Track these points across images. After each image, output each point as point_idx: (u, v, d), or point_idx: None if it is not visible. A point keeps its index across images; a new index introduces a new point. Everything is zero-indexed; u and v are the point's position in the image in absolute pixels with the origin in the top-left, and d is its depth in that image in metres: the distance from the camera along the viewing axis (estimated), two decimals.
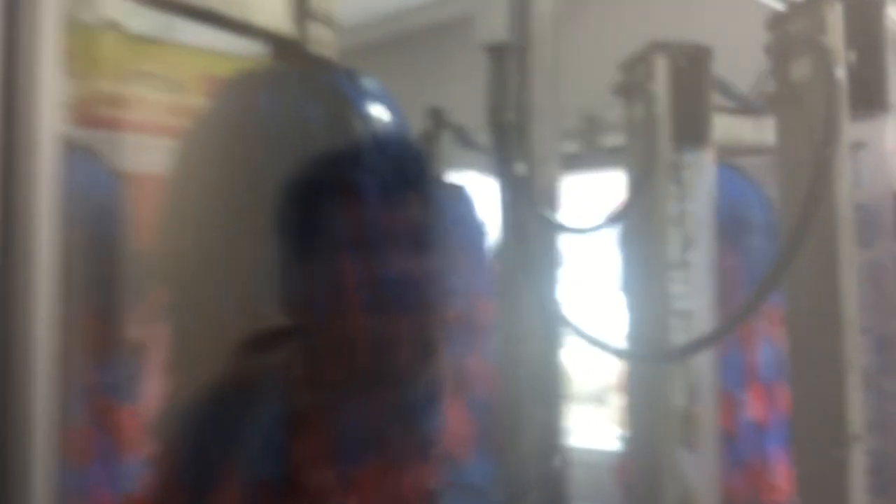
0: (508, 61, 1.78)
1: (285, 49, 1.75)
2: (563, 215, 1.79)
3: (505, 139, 1.78)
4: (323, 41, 1.83)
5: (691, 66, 1.61)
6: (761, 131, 2.05)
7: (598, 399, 4.42)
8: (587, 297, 3.53)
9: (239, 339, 1.37)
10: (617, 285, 3.70)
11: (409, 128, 3.20)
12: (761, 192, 2.75)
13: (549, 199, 1.76)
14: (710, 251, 1.62)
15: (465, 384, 3.54)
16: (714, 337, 1.37)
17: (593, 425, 4.23)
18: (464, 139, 4.41)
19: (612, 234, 3.73)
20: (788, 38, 1.38)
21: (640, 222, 1.64)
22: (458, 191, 3.96)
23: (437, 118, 4.56)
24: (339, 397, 1.33)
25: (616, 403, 4.36)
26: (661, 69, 1.60)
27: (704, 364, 1.60)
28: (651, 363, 1.58)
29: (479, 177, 4.05)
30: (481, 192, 4.06)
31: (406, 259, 2.80)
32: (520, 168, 1.76)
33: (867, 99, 1.31)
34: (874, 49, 1.31)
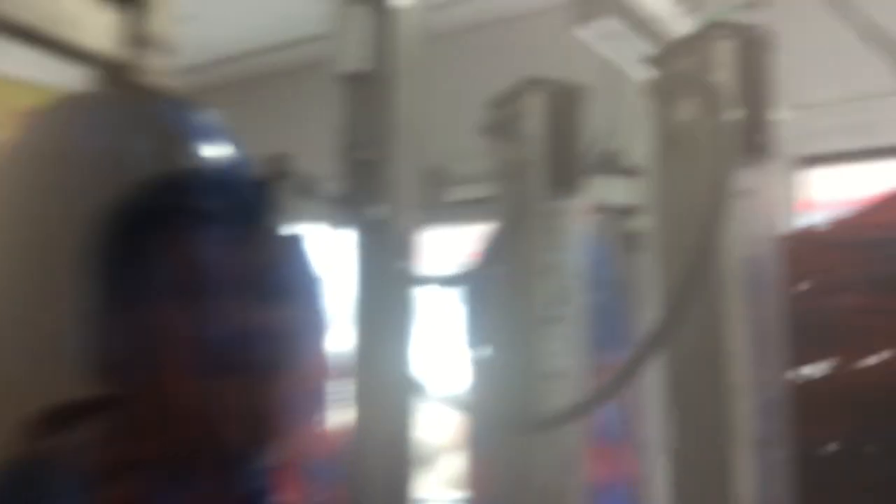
0: (367, 93, 1.62)
1: (111, 76, 1.54)
2: (422, 265, 1.63)
3: (360, 179, 1.60)
4: (156, 69, 1.63)
5: (566, 105, 1.49)
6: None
7: (428, 460, 4.21)
8: (439, 356, 3.38)
9: (35, 413, 1.11)
10: (463, 343, 3.59)
11: (250, 166, 2.96)
12: (604, 247, 2.72)
13: (408, 247, 1.59)
14: (584, 306, 1.49)
15: (304, 454, 3.28)
16: (594, 401, 1.23)
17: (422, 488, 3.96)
18: (304, 188, 4.19)
19: (458, 290, 3.62)
20: (673, 77, 1.28)
21: (508, 274, 1.49)
22: (295, 242, 3.74)
23: (278, 164, 4.32)
24: (157, 481, 1.09)
25: (450, 465, 4.20)
26: (535, 107, 1.47)
27: (573, 432, 1.45)
28: (523, 431, 1.42)
29: (323, 229, 3.86)
30: (322, 245, 3.87)
31: (240, 312, 2.54)
32: (376, 212, 1.58)
33: (755, 144, 1.22)
34: (762, 91, 1.22)
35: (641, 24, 2.03)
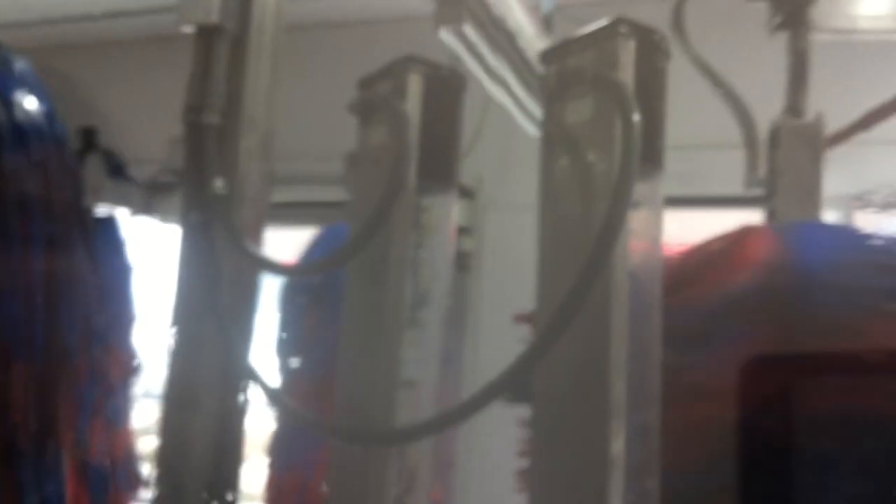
0: (217, 49, 1.42)
1: None
2: (267, 249, 1.44)
3: (202, 146, 1.39)
4: None
5: (445, 90, 1.37)
6: None
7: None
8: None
9: None
10: (276, 349, 3.38)
11: (60, 123, 2.62)
12: None
13: (253, 228, 1.41)
14: (444, 310, 1.36)
15: (102, 451, 2.96)
16: (457, 416, 1.10)
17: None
18: (114, 167, 3.86)
19: (275, 288, 3.40)
20: (567, 74, 1.18)
21: (365, 269, 1.33)
22: (106, 223, 3.40)
23: (89, 138, 3.95)
24: None
25: (256, 465, 3.93)
26: (414, 88, 1.33)
27: (424, 447, 1.32)
28: (371, 444, 1.26)
29: (133, 213, 3.54)
30: (134, 229, 3.55)
31: (25, 280, 2.22)
32: (218, 185, 1.38)
33: (653, 152, 1.14)
34: (660, 95, 1.15)
35: (502, 36, 1.97)
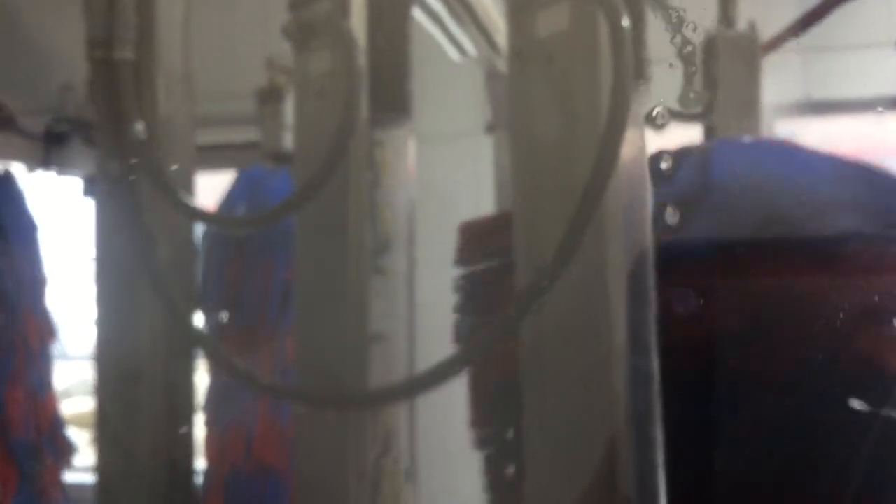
0: None
1: None
2: (196, 197, 1.28)
3: (116, 86, 1.21)
4: None
5: (391, 7, 1.21)
6: None
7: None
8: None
9: None
10: (200, 304, 3.19)
11: None
12: None
13: (182, 175, 1.24)
14: (411, 256, 1.23)
15: (12, 425, 2.76)
16: (438, 375, 0.98)
17: None
18: (3, 120, 3.57)
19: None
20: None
21: (319, 216, 1.19)
22: (2, 180, 3.14)
23: None
24: None
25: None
26: (357, 4, 1.17)
27: (396, 410, 1.20)
28: (342, 408, 1.13)
29: (30, 168, 3.28)
30: (33, 188, 3.28)
31: None
32: (139, 129, 1.20)
33: (637, 65, 1.02)
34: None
35: None
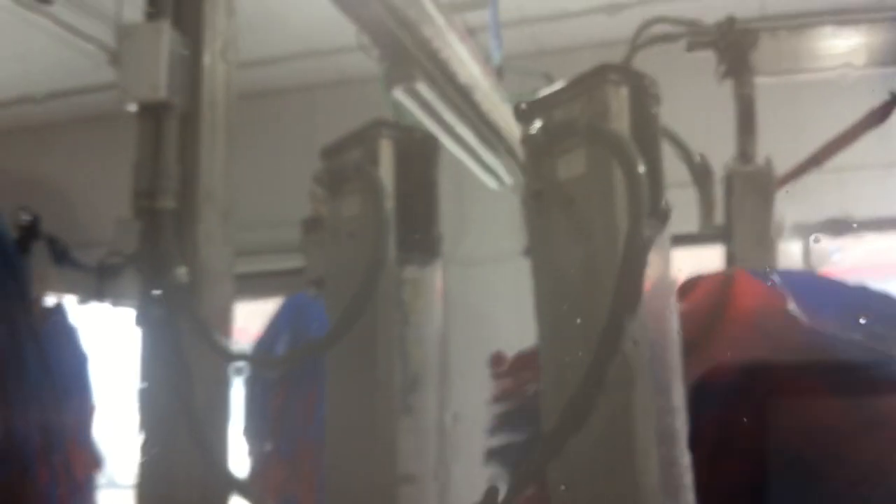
0: (166, 127, 1.30)
1: None
2: (235, 339, 1.32)
3: (158, 234, 1.27)
4: None
5: (419, 155, 1.27)
6: None
7: None
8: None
9: None
10: (244, 430, 3.20)
11: (1, 219, 2.47)
12: None
13: (221, 314, 1.28)
14: (440, 394, 1.24)
15: None
16: None
17: None
18: (59, 253, 3.70)
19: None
20: (555, 127, 1.09)
21: (349, 353, 1.21)
22: (55, 312, 3.23)
23: (30, 226, 3.79)
24: None
25: None
26: (386, 153, 1.23)
27: None
28: None
29: (82, 300, 3.36)
30: (86, 319, 3.36)
31: None
32: (179, 274, 1.26)
33: (658, 205, 1.05)
34: (653, 143, 1.07)
35: (455, 92, 1.90)
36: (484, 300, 3.67)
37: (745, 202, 2.03)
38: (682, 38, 2.21)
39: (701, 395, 1.28)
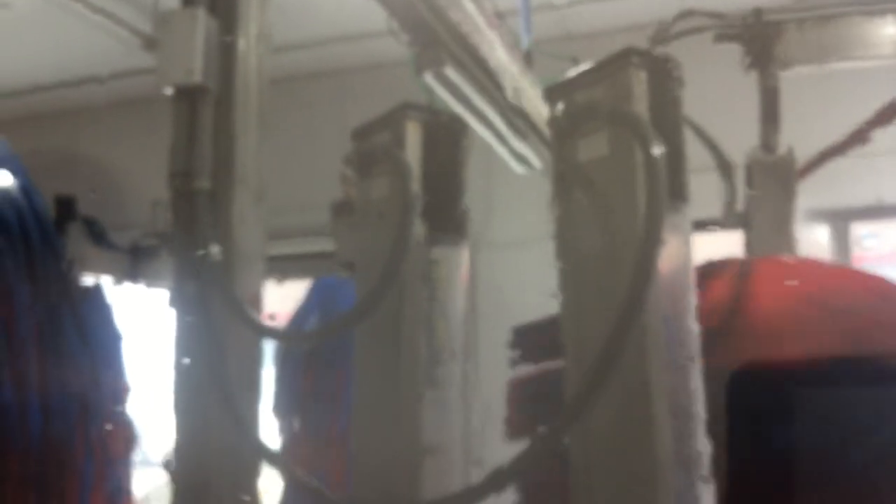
0: (201, 111, 1.35)
1: None
2: (267, 316, 1.36)
3: (193, 213, 1.32)
4: None
5: (447, 135, 1.30)
6: None
7: None
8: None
9: None
10: (274, 408, 3.27)
11: (39, 204, 2.54)
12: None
13: (252, 292, 1.32)
14: (464, 368, 1.28)
15: None
16: (488, 487, 1.01)
17: None
18: (96, 234, 3.77)
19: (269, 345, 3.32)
20: (577, 110, 1.12)
21: (376, 329, 1.25)
22: (91, 292, 3.31)
23: (67, 207, 3.87)
24: None
25: None
26: (413, 136, 1.26)
27: None
28: None
29: (117, 280, 3.44)
30: (120, 298, 3.45)
31: (16, 367, 2.12)
32: (213, 252, 1.30)
33: (678, 186, 1.07)
34: (678, 127, 1.09)
35: (484, 76, 1.93)
36: (512, 282, 3.69)
37: (765, 192, 2.08)
38: (710, 30, 2.25)
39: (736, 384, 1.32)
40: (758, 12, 2.22)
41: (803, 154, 2.26)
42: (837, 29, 2.21)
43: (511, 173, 2.86)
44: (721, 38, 2.24)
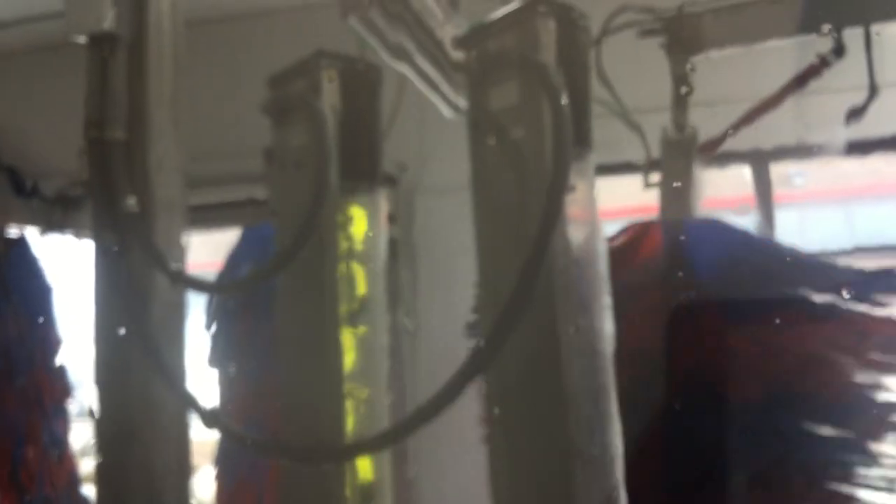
0: (114, 59, 1.32)
1: None
2: (186, 266, 1.36)
3: (108, 163, 1.31)
4: None
5: (362, 85, 1.30)
6: None
7: None
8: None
9: None
10: (209, 358, 3.27)
11: None
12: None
13: (174, 241, 1.32)
14: (384, 319, 1.30)
15: (26, 483, 2.83)
16: (405, 429, 1.05)
17: None
18: (19, 184, 3.69)
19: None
20: (489, 58, 1.14)
21: (296, 279, 1.27)
22: (15, 244, 3.25)
23: None
24: None
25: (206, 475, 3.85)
26: (328, 84, 1.26)
27: (381, 459, 1.26)
28: (324, 461, 1.20)
29: (44, 231, 3.38)
30: (46, 249, 3.38)
31: None
32: (130, 203, 1.29)
33: (582, 134, 1.10)
34: (585, 76, 1.11)
35: (411, 20, 1.91)
36: (450, 226, 3.71)
37: (671, 164, 2.43)
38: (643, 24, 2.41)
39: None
40: (681, 7, 2.40)
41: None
42: (747, 15, 2.39)
43: (445, 119, 2.86)
44: (645, 33, 2.41)
